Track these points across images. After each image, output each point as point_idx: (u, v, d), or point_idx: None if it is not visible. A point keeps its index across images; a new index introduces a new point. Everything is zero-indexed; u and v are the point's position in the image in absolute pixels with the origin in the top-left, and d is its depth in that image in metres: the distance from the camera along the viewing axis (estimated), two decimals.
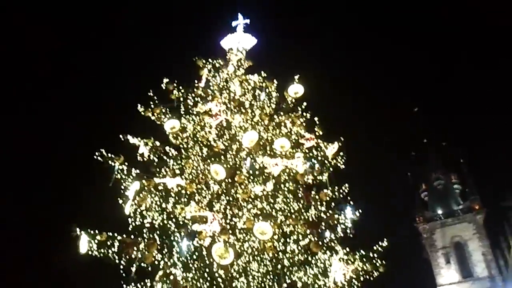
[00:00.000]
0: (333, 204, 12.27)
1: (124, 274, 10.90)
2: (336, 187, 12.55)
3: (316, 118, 13.67)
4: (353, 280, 11.13)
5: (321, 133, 13.51)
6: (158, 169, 12.41)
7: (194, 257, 10.80)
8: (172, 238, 11.30)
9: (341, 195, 12.43)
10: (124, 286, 10.77)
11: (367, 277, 11.39)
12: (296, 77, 13.81)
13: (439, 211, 59.93)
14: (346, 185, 12.56)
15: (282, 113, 13.79)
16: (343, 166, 13.22)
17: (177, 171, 12.22)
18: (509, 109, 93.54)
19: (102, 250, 11.03)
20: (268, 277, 11.15)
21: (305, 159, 12.64)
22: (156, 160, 12.66)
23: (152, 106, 13.31)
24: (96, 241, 11.01)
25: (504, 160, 74.68)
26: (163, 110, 13.25)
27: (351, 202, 12.32)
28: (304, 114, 13.82)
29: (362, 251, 11.56)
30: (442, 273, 55.81)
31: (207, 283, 10.24)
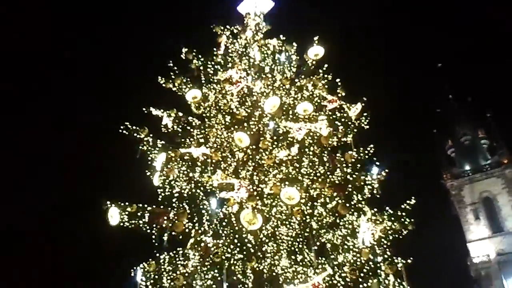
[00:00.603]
0: (358, 165, 12.20)
1: (156, 244, 11.17)
2: (361, 148, 12.46)
3: (338, 80, 13.50)
4: (382, 240, 11.14)
5: (343, 94, 13.34)
6: (182, 139, 12.51)
7: (224, 224, 10.96)
8: (201, 206, 11.48)
9: (366, 156, 12.34)
10: (157, 254, 11.05)
11: (396, 236, 11.40)
12: (316, 38, 13.56)
13: (467, 167, 59.24)
14: (371, 145, 12.45)
15: (303, 76, 13.62)
16: (367, 127, 13.10)
17: (201, 140, 12.30)
18: None
19: (133, 221, 11.29)
20: (297, 240, 11.29)
21: (329, 122, 12.54)
22: (180, 130, 12.74)
23: (173, 77, 13.32)
24: (127, 212, 11.27)
25: None
26: (184, 80, 13.24)
27: (377, 162, 12.25)
28: (326, 76, 13.64)
29: (390, 210, 11.53)
30: (471, 229, 55.57)
31: (238, 249, 10.39)
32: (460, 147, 61.56)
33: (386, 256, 10.87)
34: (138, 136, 12.23)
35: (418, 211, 11.67)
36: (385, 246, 11.16)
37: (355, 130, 12.97)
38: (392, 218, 11.38)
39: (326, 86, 13.53)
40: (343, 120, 12.94)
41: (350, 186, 11.74)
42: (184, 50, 13.78)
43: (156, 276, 10.71)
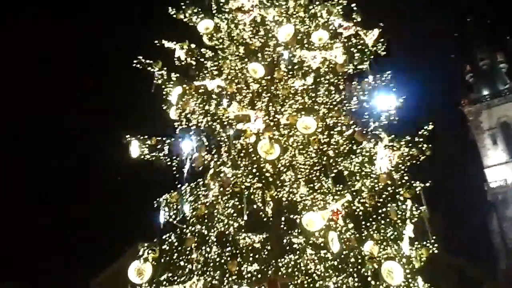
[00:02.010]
0: (376, 92, 12.07)
1: (177, 175, 11.43)
2: (378, 75, 12.27)
3: (353, 5, 13.03)
4: (399, 166, 11.19)
5: (359, 20, 12.95)
6: (197, 72, 12.42)
7: (242, 154, 11.10)
8: (218, 138, 11.60)
9: (383, 83, 12.17)
10: (179, 186, 11.31)
11: (414, 161, 11.41)
12: None
13: (485, 92, 58.38)
14: (388, 72, 12.25)
15: (317, 3, 13.16)
16: (384, 53, 12.80)
17: (216, 73, 12.21)
18: None
19: (154, 154, 11.62)
20: (315, 168, 11.43)
21: (344, 49, 12.28)
22: (193, 63, 12.60)
23: (183, 7, 12.98)
24: (146, 145, 11.52)
25: None
26: (195, 11, 12.91)
27: (394, 89, 12.09)
28: (341, 1, 13.17)
29: (407, 136, 11.50)
30: (489, 154, 55.64)
31: (256, 178, 10.59)
32: (479, 72, 60.31)
33: (404, 181, 10.99)
34: (152, 69, 12.17)
35: (435, 137, 11.60)
36: (402, 171, 11.23)
37: (372, 57, 12.70)
38: (410, 144, 11.34)
39: (341, 12, 13.08)
40: (359, 47, 12.65)
41: (366, 113, 11.71)
42: None
43: (178, 207, 11.04)
